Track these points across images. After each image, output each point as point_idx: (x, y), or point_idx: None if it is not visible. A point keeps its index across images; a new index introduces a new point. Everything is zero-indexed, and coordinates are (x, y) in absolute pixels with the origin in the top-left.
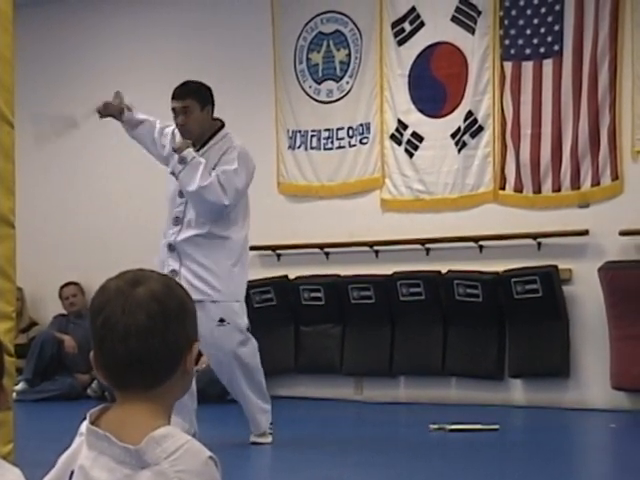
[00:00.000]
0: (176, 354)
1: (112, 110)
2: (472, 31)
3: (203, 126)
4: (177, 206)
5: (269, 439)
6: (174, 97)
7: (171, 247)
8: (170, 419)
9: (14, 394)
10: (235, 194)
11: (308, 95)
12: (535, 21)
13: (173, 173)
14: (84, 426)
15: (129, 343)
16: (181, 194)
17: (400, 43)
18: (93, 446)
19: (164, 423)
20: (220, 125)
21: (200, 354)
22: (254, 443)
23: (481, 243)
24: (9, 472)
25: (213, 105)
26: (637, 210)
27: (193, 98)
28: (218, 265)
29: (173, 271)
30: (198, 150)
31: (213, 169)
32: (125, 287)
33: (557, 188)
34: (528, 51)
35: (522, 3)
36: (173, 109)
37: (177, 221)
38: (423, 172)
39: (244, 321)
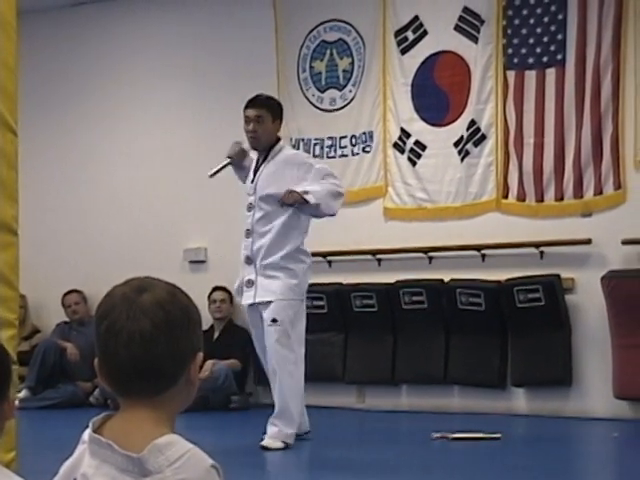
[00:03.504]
0: (179, 362)
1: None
2: (475, 40)
3: (271, 138)
4: (247, 219)
5: (279, 445)
6: (249, 106)
7: (248, 260)
8: (174, 428)
9: (16, 402)
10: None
11: (311, 103)
12: (538, 30)
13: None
14: (87, 434)
15: (132, 349)
16: (249, 208)
17: (403, 52)
18: (96, 454)
19: (167, 431)
20: (277, 138)
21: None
22: (263, 447)
23: (484, 252)
24: None
25: (281, 121)
26: None
27: (267, 109)
28: (294, 268)
29: (249, 281)
30: (262, 162)
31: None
32: (130, 293)
33: (560, 197)
34: (531, 60)
35: (525, 12)
36: (247, 117)
37: (248, 233)
38: (426, 181)
39: (302, 326)
